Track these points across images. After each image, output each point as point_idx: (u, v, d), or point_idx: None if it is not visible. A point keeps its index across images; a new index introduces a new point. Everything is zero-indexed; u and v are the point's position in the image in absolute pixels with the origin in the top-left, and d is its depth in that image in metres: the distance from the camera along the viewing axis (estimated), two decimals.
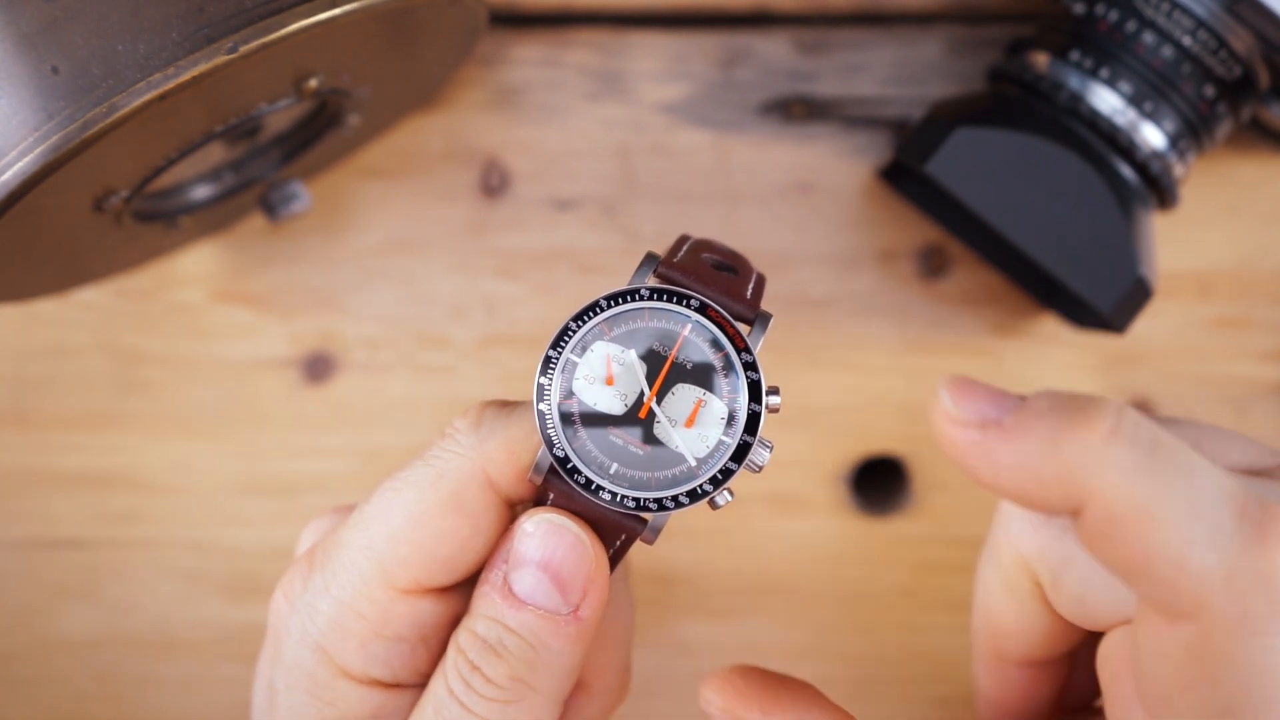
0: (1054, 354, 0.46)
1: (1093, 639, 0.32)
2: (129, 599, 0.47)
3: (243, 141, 0.41)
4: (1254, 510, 0.24)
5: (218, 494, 0.47)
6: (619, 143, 0.46)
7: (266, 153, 0.43)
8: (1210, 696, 0.24)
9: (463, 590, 0.32)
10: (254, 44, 0.32)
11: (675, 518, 0.31)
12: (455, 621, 0.32)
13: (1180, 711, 0.25)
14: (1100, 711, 0.30)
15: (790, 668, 0.33)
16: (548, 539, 0.30)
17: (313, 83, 0.37)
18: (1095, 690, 0.34)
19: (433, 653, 0.32)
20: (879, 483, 0.47)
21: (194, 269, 0.46)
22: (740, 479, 0.30)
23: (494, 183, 0.46)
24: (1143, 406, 0.46)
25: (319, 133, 0.42)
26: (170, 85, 0.31)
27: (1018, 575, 0.30)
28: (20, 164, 0.31)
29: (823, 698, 0.31)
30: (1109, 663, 0.29)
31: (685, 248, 0.32)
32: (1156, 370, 0.46)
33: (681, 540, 0.46)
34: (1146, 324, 0.46)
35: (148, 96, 0.31)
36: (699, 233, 0.46)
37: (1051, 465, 0.24)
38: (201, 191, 0.43)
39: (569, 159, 0.46)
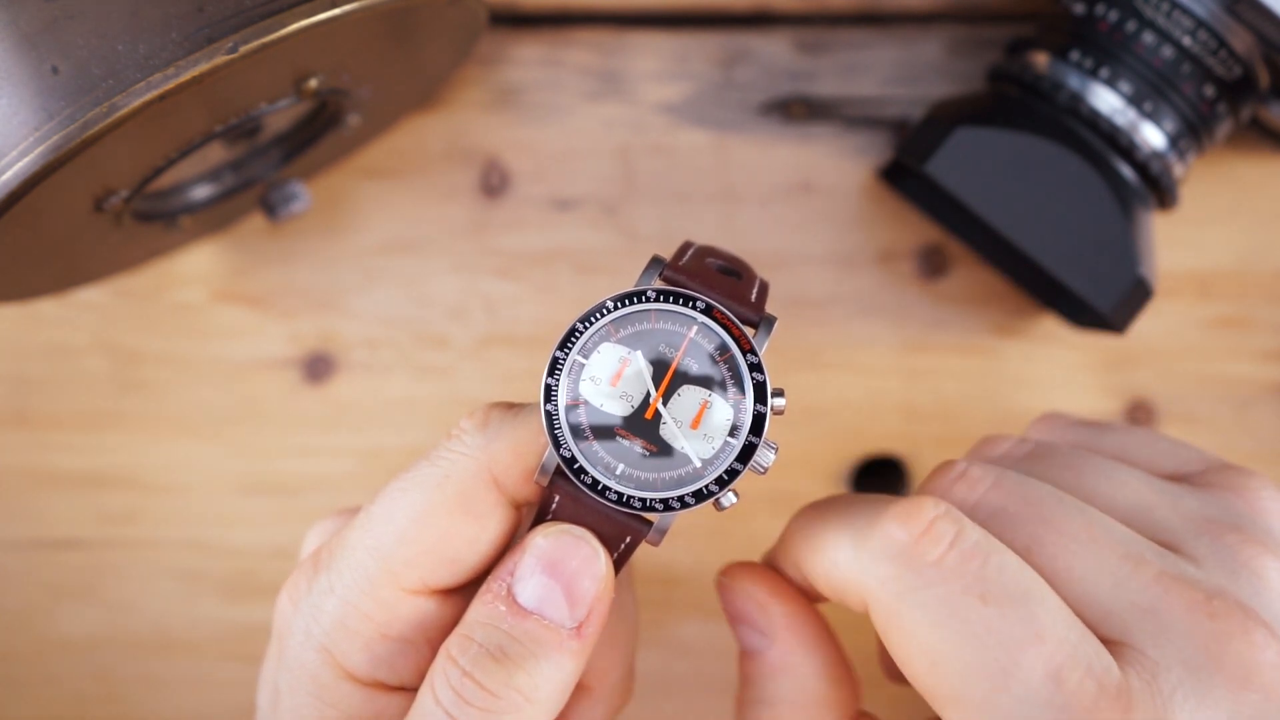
0: (1054, 354, 0.46)
1: None
2: (128, 599, 0.47)
3: (243, 141, 0.41)
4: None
5: (218, 494, 0.47)
6: (619, 143, 0.46)
7: (266, 153, 0.43)
8: (903, 667, 0.30)
9: (467, 593, 0.32)
10: (254, 44, 0.32)
11: (676, 519, 0.31)
12: None
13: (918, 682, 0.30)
14: None
15: None
16: (564, 549, 0.30)
17: (313, 83, 0.37)
18: None
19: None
20: (879, 483, 0.47)
21: (194, 269, 0.46)
22: (741, 480, 0.30)
23: (494, 183, 0.46)
24: (1143, 407, 0.46)
25: (319, 133, 0.42)
26: (170, 85, 0.31)
27: (847, 597, 0.33)
28: (20, 164, 0.31)
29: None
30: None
31: (690, 252, 0.32)
32: (1156, 370, 0.46)
33: (681, 541, 0.46)
34: (1146, 324, 0.46)
35: (148, 96, 0.31)
36: (699, 234, 0.46)
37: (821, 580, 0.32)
38: (201, 191, 0.43)
39: (569, 159, 0.46)
